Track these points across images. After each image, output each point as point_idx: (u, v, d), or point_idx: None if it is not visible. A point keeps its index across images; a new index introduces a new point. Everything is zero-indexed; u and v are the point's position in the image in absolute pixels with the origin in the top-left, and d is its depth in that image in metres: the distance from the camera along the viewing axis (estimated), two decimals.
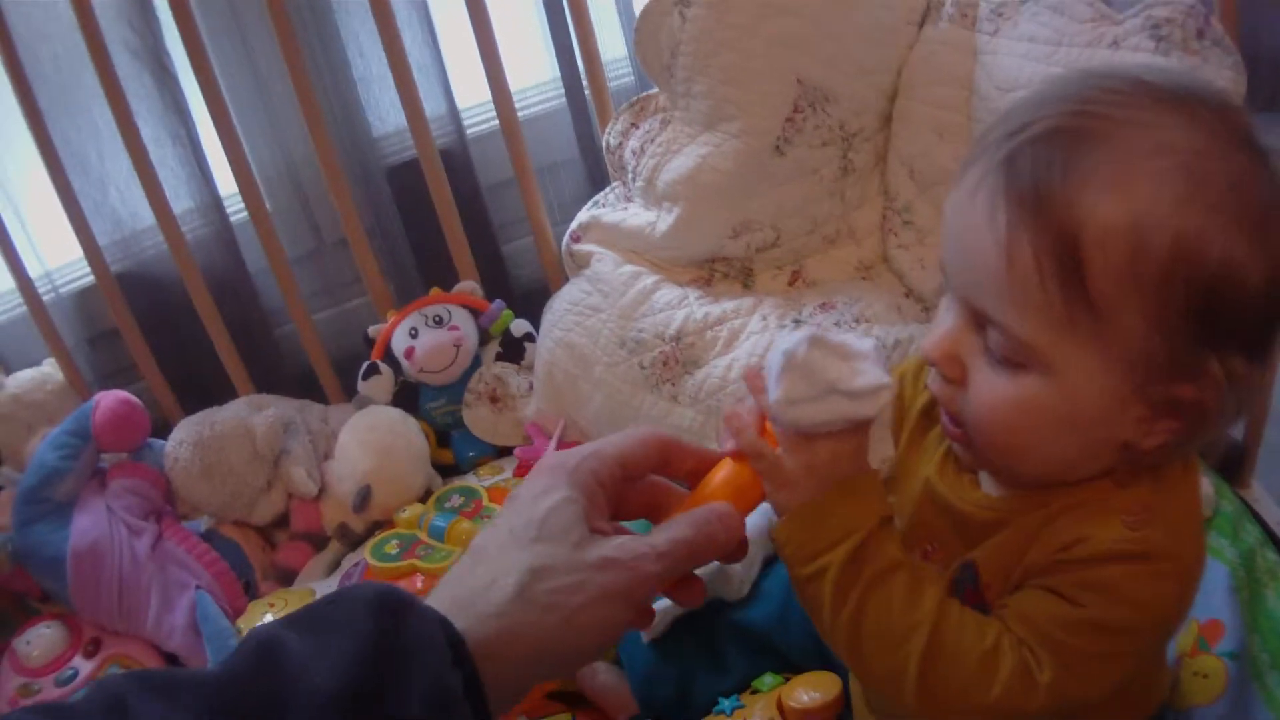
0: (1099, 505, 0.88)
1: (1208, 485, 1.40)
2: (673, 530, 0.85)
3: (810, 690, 1.17)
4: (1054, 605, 0.86)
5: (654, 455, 0.92)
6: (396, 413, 1.83)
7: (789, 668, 1.24)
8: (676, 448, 0.93)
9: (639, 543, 0.83)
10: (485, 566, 0.81)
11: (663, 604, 1.30)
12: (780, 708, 1.17)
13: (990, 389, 0.87)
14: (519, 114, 1.93)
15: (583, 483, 0.86)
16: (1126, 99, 0.82)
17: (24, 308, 1.88)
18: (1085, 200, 0.79)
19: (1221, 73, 1.30)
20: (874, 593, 0.88)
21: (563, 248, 1.94)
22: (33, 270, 1.87)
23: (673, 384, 1.67)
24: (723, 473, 0.92)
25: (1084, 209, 0.79)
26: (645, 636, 1.33)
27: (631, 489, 0.92)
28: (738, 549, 0.92)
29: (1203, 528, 0.94)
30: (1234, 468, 1.53)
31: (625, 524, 0.94)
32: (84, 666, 1.60)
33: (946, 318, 0.91)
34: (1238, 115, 0.83)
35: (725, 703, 1.22)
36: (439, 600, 0.80)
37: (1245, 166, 0.80)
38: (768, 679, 1.24)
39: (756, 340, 1.65)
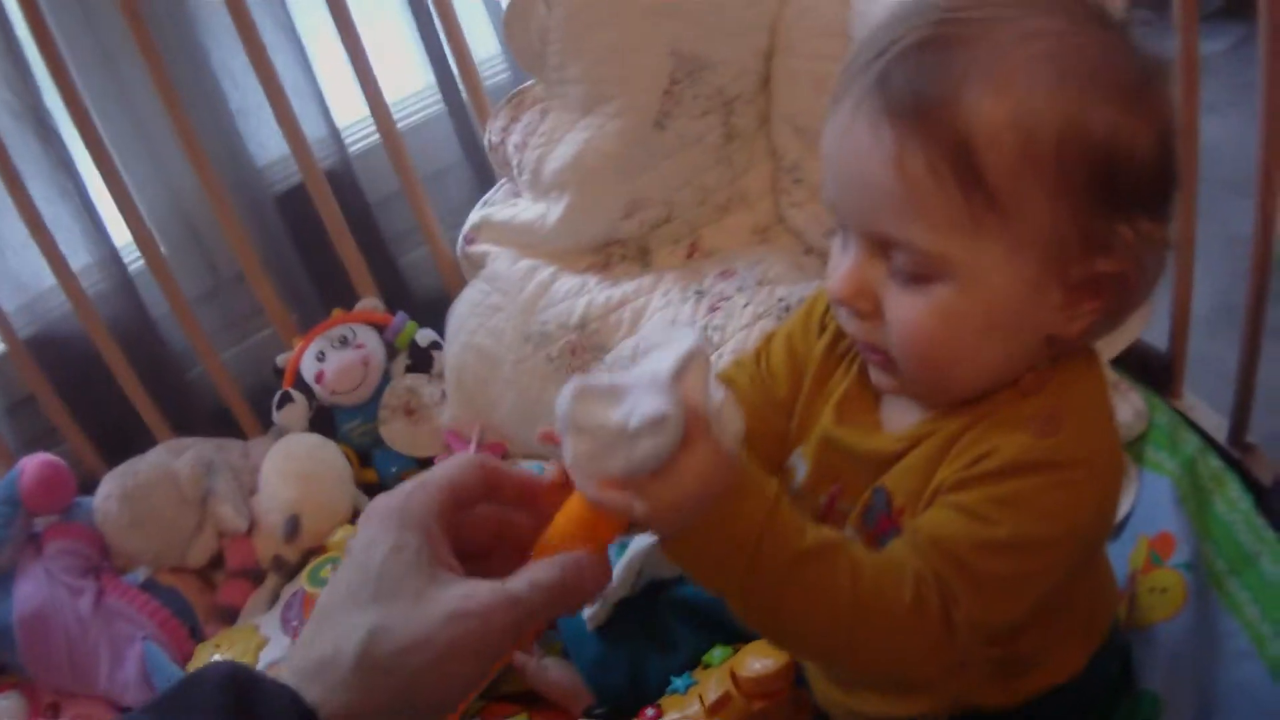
0: (1005, 416, 0.88)
1: (1138, 399, 1.42)
2: (536, 573, 0.77)
3: (761, 657, 1.16)
4: (966, 525, 0.85)
5: (481, 482, 0.84)
6: (313, 438, 1.82)
7: (738, 637, 1.23)
8: (498, 473, 0.86)
9: (493, 589, 0.75)
10: (328, 632, 0.75)
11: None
12: (734, 679, 1.16)
13: (908, 310, 0.87)
14: (399, 124, 1.93)
15: (416, 521, 0.78)
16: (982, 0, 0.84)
17: None
18: (966, 101, 0.80)
19: None
20: (786, 590, 0.83)
21: (458, 251, 1.93)
22: None
23: (582, 372, 1.66)
24: (576, 509, 0.81)
25: (967, 110, 0.80)
26: (589, 625, 1.32)
27: (466, 520, 0.84)
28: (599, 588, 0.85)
29: (1115, 427, 0.94)
30: (1163, 379, 1.53)
31: None
32: None
33: (844, 256, 0.90)
34: None
35: (678, 681, 1.22)
36: (291, 671, 0.75)
37: (1108, 42, 0.83)
38: (717, 652, 1.24)
39: (661, 317, 1.65)
